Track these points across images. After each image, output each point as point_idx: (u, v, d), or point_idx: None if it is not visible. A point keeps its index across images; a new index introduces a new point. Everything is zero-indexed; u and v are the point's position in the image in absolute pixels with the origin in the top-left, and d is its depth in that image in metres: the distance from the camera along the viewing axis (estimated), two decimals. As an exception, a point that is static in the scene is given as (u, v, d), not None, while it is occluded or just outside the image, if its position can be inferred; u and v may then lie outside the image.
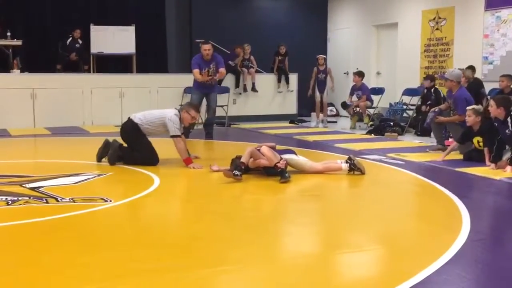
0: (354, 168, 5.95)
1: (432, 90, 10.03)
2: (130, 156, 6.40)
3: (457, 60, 11.02)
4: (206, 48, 8.84)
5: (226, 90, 11.73)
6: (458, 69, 8.44)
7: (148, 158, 6.35)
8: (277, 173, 5.58)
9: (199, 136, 9.44)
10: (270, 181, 5.65)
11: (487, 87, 9.54)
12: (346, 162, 6.01)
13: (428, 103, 9.87)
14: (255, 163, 5.81)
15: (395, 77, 12.68)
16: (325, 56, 12.03)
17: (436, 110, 7.83)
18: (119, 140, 6.52)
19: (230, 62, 12.10)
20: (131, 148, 6.46)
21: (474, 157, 6.73)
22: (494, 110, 6.34)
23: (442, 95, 9.83)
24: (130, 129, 6.44)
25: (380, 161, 6.91)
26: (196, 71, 8.85)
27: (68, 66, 12.26)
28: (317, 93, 11.63)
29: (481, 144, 6.69)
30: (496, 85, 9.24)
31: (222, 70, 9.04)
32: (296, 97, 13.01)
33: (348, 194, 5.51)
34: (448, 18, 11.36)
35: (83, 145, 8.45)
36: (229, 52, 12.38)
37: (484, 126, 6.61)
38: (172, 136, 6.29)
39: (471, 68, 9.65)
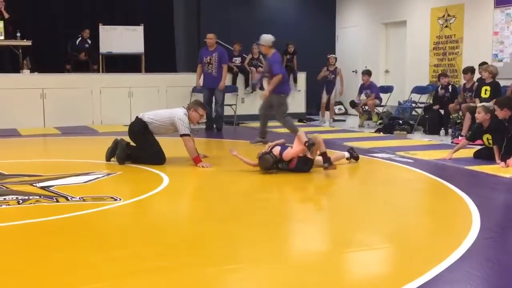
0: (353, 155, 6.55)
1: (450, 87, 9.99)
2: (137, 154, 6.43)
3: (467, 57, 10.96)
4: (209, 37, 9.61)
5: (234, 89, 11.74)
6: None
7: (155, 157, 6.37)
8: (303, 170, 5.85)
9: (208, 135, 9.49)
10: (279, 179, 5.67)
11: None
12: (348, 151, 6.63)
13: (445, 100, 9.86)
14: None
15: (404, 75, 12.63)
16: (336, 56, 11.97)
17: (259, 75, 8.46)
18: (127, 139, 6.55)
19: (234, 60, 12.14)
20: (138, 147, 6.49)
21: (483, 155, 6.70)
22: (499, 112, 6.46)
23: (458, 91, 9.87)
24: (138, 128, 6.47)
25: (389, 159, 6.89)
26: (199, 66, 9.88)
27: (78, 66, 12.32)
28: (324, 93, 11.58)
29: (490, 141, 6.66)
30: (505, 83, 9.18)
31: (224, 65, 9.84)
32: (305, 96, 12.99)
33: (358, 192, 5.50)
34: (457, 15, 11.30)
35: (92, 145, 8.49)
36: (232, 48, 12.39)
37: (493, 124, 6.59)
38: (182, 135, 6.31)
39: (484, 63, 9.60)
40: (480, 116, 6.66)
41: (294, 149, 5.85)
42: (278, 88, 7.80)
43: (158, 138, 6.55)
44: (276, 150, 5.86)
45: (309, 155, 5.86)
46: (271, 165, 5.78)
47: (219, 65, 9.78)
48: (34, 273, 3.03)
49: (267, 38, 7.93)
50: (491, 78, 8.60)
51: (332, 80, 11.54)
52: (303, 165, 5.87)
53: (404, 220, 4.25)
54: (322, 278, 3.00)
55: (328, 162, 5.88)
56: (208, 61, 9.64)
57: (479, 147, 7.00)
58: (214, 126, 10.11)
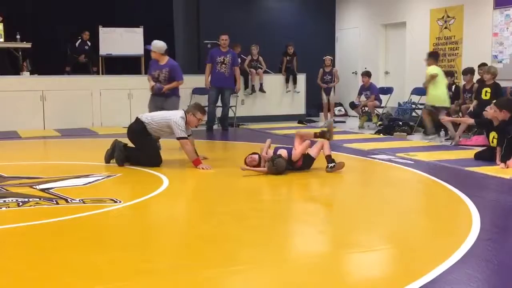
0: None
1: (453, 87, 9.99)
2: (135, 155, 6.43)
3: (466, 59, 10.96)
4: (224, 38, 10.01)
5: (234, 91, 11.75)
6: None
7: (151, 158, 6.36)
8: (306, 168, 6.06)
9: (208, 136, 9.48)
10: (279, 180, 5.67)
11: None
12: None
13: None
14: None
15: (404, 77, 12.64)
16: (331, 58, 11.98)
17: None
18: (125, 140, 6.55)
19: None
20: (137, 148, 6.49)
21: (484, 157, 6.71)
22: (499, 113, 6.48)
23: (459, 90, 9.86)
24: (136, 128, 6.47)
25: (389, 160, 6.89)
26: (208, 65, 10.21)
27: (77, 68, 12.34)
28: (324, 95, 11.59)
29: (494, 141, 6.66)
30: (505, 84, 9.19)
31: (236, 67, 10.37)
32: (305, 97, 12.99)
33: (358, 194, 5.50)
34: (457, 16, 11.31)
35: (92, 147, 8.49)
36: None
37: (500, 124, 6.59)
38: (178, 138, 6.30)
39: (484, 64, 9.59)
40: (490, 112, 6.66)
41: (299, 149, 6.01)
42: (175, 90, 7.96)
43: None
44: (284, 152, 5.98)
45: (327, 139, 6.20)
46: (285, 168, 5.88)
47: (231, 66, 10.20)
48: (34, 275, 3.03)
49: (159, 45, 7.90)
50: (492, 80, 8.61)
51: (329, 81, 11.55)
52: (307, 161, 6.06)
53: (404, 221, 4.25)
54: (323, 279, 3.00)
55: (332, 163, 6.00)
56: (222, 61, 10.01)
57: (481, 148, 7.00)
58: (218, 126, 10.33)
